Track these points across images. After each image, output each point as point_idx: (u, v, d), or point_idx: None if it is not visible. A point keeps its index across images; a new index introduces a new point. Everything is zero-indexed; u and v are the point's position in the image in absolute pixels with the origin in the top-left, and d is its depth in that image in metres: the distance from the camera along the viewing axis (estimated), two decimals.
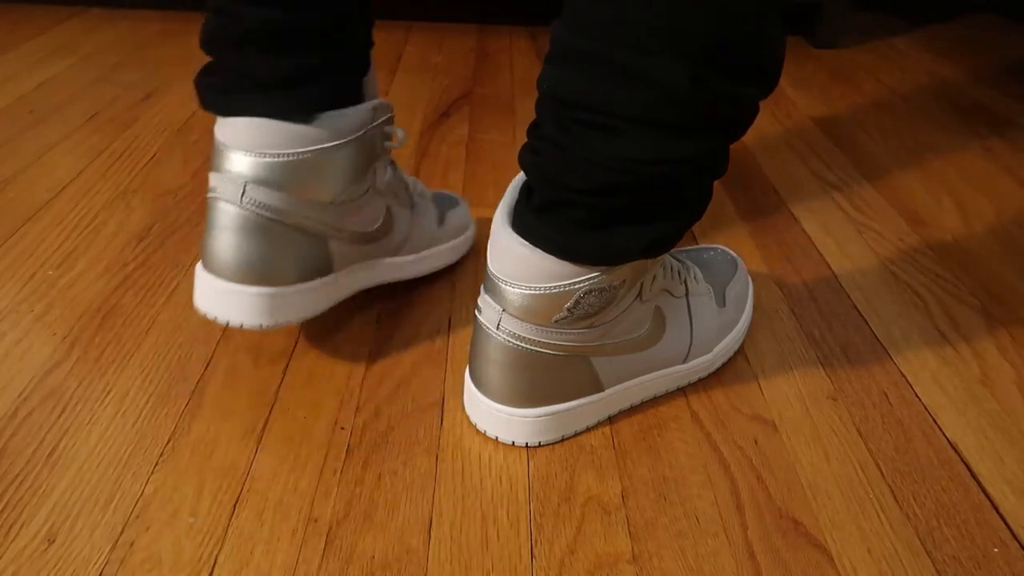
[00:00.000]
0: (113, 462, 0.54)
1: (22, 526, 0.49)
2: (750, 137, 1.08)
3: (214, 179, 0.54)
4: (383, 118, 0.60)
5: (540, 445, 0.56)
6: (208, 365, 0.63)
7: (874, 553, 0.50)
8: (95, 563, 0.47)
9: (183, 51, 1.33)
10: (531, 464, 0.55)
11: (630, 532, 0.50)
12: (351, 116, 0.56)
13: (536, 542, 0.49)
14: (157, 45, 1.35)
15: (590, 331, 0.53)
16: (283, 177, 0.54)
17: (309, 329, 0.67)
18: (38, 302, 0.69)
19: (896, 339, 0.69)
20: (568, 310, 0.50)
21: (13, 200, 0.85)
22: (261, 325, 0.57)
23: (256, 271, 0.55)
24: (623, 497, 0.53)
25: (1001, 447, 0.58)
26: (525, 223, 0.49)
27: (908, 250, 0.83)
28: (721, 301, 0.63)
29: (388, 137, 0.61)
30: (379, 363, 0.63)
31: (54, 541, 0.48)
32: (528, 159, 0.49)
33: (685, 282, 0.59)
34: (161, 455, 0.54)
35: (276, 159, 0.53)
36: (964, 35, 1.58)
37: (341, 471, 0.54)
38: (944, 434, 0.59)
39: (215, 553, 0.48)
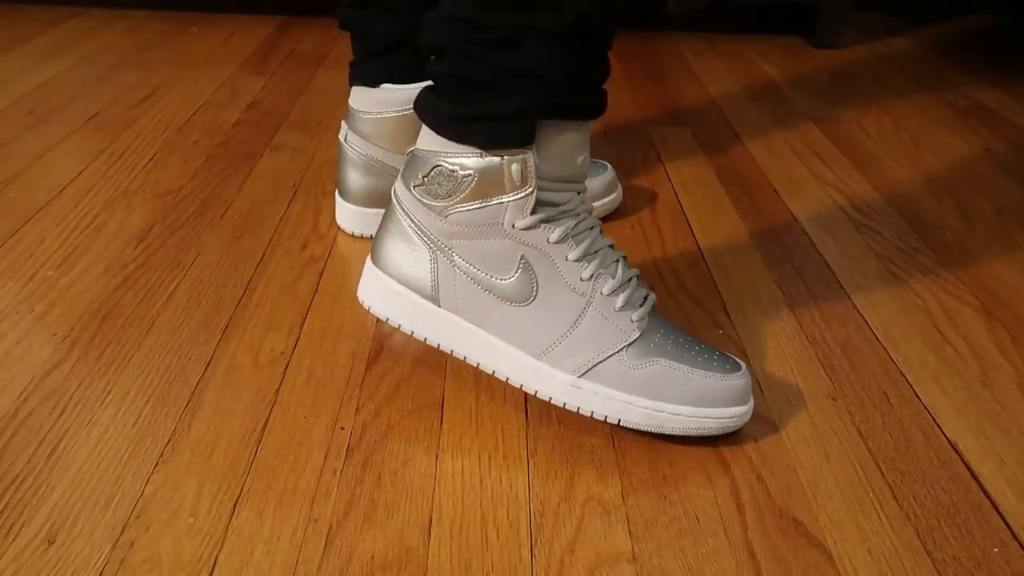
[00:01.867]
0: (113, 462, 0.54)
1: (22, 526, 0.49)
2: (750, 137, 1.08)
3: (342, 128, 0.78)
4: None
5: (371, 309, 0.59)
6: (208, 365, 0.63)
7: (874, 553, 0.50)
8: (95, 563, 0.47)
9: (183, 51, 1.33)
10: (531, 464, 0.55)
11: (630, 532, 0.50)
12: (411, 91, 0.72)
13: (536, 542, 0.49)
14: (157, 45, 1.35)
15: (440, 220, 0.54)
16: (365, 128, 0.76)
17: (309, 329, 0.67)
18: (38, 302, 0.69)
19: (896, 339, 0.69)
20: (423, 177, 0.54)
21: (13, 200, 0.85)
22: (363, 233, 0.80)
23: (353, 193, 0.79)
24: (623, 497, 0.53)
25: (1001, 447, 0.58)
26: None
27: (908, 250, 0.83)
28: (639, 363, 0.54)
29: None
30: (379, 363, 0.63)
31: (54, 541, 0.48)
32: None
33: (593, 282, 0.55)
34: (161, 455, 0.54)
35: (364, 116, 0.75)
36: (964, 35, 1.58)
37: (341, 471, 0.54)
38: (944, 434, 0.59)
39: (215, 553, 0.48)
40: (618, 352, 0.54)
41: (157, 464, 0.54)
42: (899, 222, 0.88)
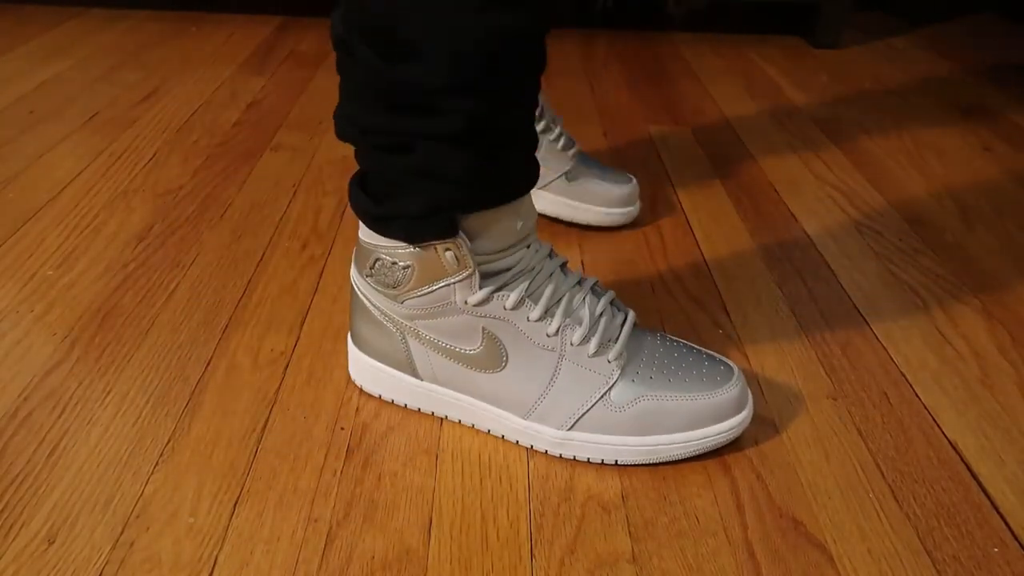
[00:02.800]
0: (113, 462, 0.54)
1: (22, 526, 0.49)
2: (750, 137, 1.08)
3: None
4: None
5: (363, 390, 0.60)
6: (208, 365, 0.63)
7: (874, 553, 0.50)
8: (95, 563, 0.47)
9: (183, 51, 1.33)
10: (531, 464, 0.55)
11: (630, 532, 0.50)
12: None
13: (536, 542, 0.49)
14: (157, 45, 1.35)
15: (396, 304, 0.55)
16: None
17: (309, 329, 0.67)
18: (38, 302, 0.69)
19: (896, 339, 0.69)
20: (370, 268, 0.55)
21: (13, 200, 0.85)
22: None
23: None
24: (623, 497, 0.53)
25: (1001, 447, 0.58)
26: None
27: (908, 250, 0.83)
28: (624, 404, 0.53)
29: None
30: None
31: (54, 541, 0.48)
32: None
33: (560, 335, 0.53)
34: (161, 455, 0.54)
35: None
36: (964, 35, 1.58)
37: (341, 471, 0.54)
38: (944, 434, 0.59)
39: (215, 553, 0.48)
40: (601, 398, 0.54)
41: (157, 464, 0.54)
42: (899, 222, 0.88)
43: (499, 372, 0.54)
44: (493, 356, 0.54)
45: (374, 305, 0.56)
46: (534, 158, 0.54)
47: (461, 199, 0.50)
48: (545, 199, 0.83)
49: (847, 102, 1.22)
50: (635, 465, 0.55)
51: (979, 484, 0.55)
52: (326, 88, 1.19)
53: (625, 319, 0.56)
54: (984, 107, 1.22)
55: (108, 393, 0.59)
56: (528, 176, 0.53)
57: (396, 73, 0.46)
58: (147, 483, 0.52)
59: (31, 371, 0.61)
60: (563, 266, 0.56)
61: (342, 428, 0.57)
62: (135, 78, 1.20)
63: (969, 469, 0.56)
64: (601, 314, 0.55)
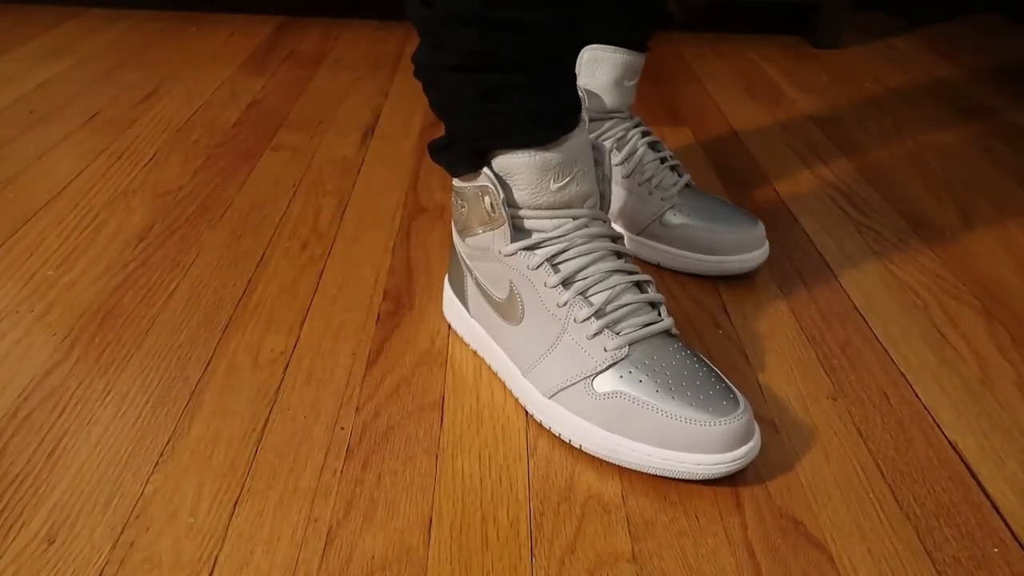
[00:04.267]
0: (113, 462, 0.54)
1: (22, 526, 0.49)
2: (750, 137, 1.08)
3: None
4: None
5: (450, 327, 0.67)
6: (208, 365, 0.63)
7: (874, 553, 0.50)
8: (95, 563, 0.47)
9: (183, 51, 1.33)
10: (531, 463, 0.55)
11: (630, 531, 0.50)
12: None
13: (536, 542, 0.49)
14: (157, 45, 1.35)
15: (462, 243, 0.61)
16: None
17: (309, 329, 0.67)
18: (38, 302, 0.69)
19: (896, 339, 0.69)
20: (453, 205, 0.61)
21: (13, 200, 0.85)
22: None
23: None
24: (623, 496, 0.53)
25: (1001, 447, 0.58)
26: None
27: (908, 250, 0.83)
28: (603, 393, 0.54)
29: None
30: (379, 363, 0.63)
31: (54, 541, 0.48)
32: None
33: (568, 308, 0.55)
34: (161, 455, 0.54)
35: None
36: (964, 35, 1.58)
37: (341, 471, 0.54)
38: (944, 434, 0.59)
39: (215, 553, 0.48)
40: (584, 379, 0.54)
41: (157, 464, 0.54)
42: (899, 222, 0.88)
43: (517, 325, 0.59)
44: (514, 308, 0.58)
45: (454, 243, 0.63)
46: (560, 110, 0.55)
47: (470, 131, 0.56)
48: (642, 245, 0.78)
49: (847, 102, 1.22)
50: (599, 458, 0.55)
51: (979, 484, 0.55)
52: (326, 88, 1.19)
53: (653, 324, 0.56)
54: (984, 107, 1.22)
55: (108, 393, 0.59)
56: (542, 123, 0.54)
57: (415, 9, 0.53)
58: (147, 483, 0.52)
59: (31, 371, 0.61)
60: (622, 255, 0.58)
61: (342, 428, 0.57)
62: (135, 78, 1.20)
63: (969, 469, 0.56)
64: (625, 306, 0.56)
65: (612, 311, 0.55)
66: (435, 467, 0.54)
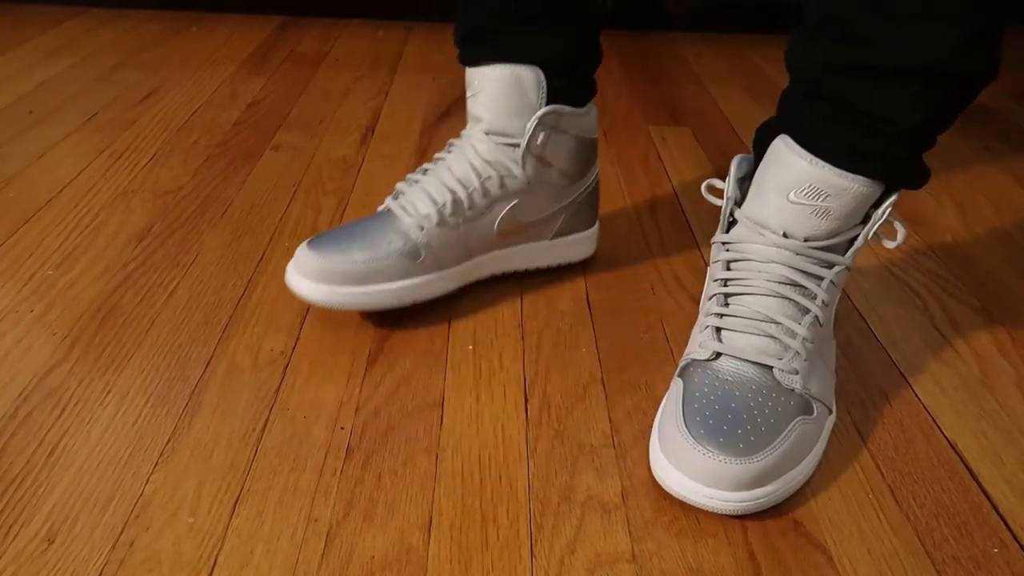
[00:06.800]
0: (113, 462, 0.54)
1: (22, 526, 0.49)
2: (750, 137, 1.08)
3: None
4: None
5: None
6: (208, 365, 0.63)
7: (874, 553, 0.50)
8: (95, 563, 0.47)
9: (183, 51, 1.33)
10: (531, 464, 0.55)
11: (630, 532, 0.50)
12: None
13: (536, 542, 0.49)
14: (157, 45, 1.35)
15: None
16: None
17: (309, 329, 0.67)
18: (38, 302, 0.69)
19: (896, 339, 0.69)
20: None
21: (13, 200, 0.85)
22: None
23: None
24: (623, 496, 0.53)
25: (1001, 447, 0.58)
26: None
27: (908, 250, 0.83)
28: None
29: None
30: (379, 363, 0.63)
31: (54, 541, 0.48)
32: None
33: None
34: (161, 455, 0.54)
35: None
36: None
37: (341, 471, 0.54)
38: (944, 434, 0.59)
39: (215, 553, 0.48)
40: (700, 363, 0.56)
41: (157, 464, 0.54)
42: None
43: None
44: None
45: None
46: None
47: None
48: None
49: None
50: (636, 435, 0.55)
51: (979, 484, 0.55)
52: (326, 88, 1.19)
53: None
54: (984, 107, 1.22)
55: (108, 393, 0.59)
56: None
57: None
58: (147, 483, 0.52)
59: (31, 371, 0.61)
60: None
61: (342, 428, 0.57)
62: (135, 78, 1.20)
63: (969, 469, 0.56)
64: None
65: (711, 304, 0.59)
66: (435, 467, 0.54)
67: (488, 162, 0.67)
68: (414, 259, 0.65)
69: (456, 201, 0.66)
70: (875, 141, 0.52)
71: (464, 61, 0.67)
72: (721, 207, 0.60)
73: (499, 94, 0.65)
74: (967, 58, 0.49)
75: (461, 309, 0.70)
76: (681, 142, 1.06)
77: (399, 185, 0.69)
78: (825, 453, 0.56)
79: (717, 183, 0.62)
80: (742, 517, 0.51)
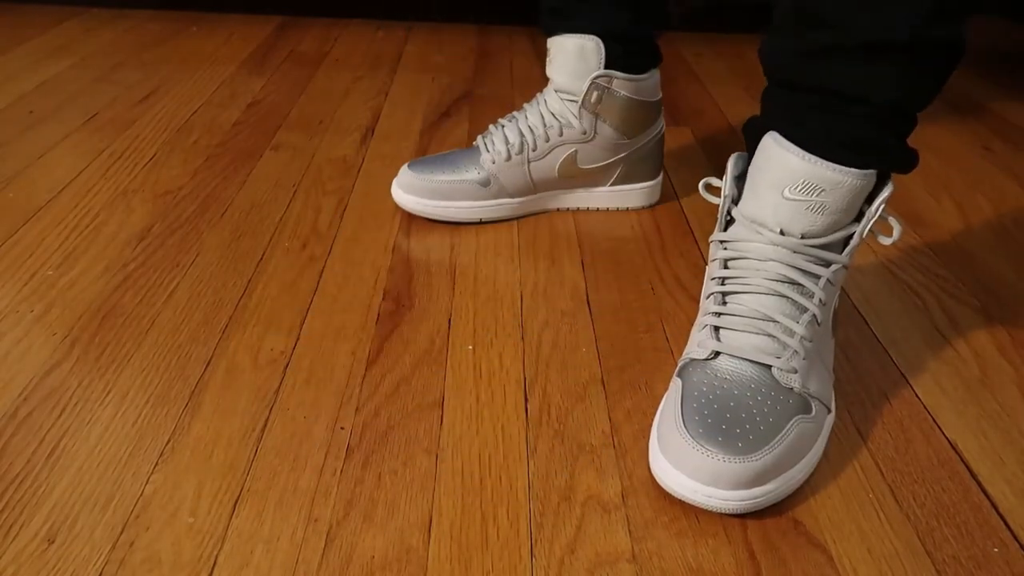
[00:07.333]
0: (113, 462, 0.54)
1: (22, 526, 0.49)
2: None
3: None
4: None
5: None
6: (208, 365, 0.63)
7: (874, 553, 0.50)
8: (95, 563, 0.47)
9: (183, 51, 1.33)
10: (531, 463, 0.55)
11: (630, 531, 0.50)
12: None
13: (536, 541, 0.49)
14: (157, 45, 1.35)
15: None
16: None
17: (309, 329, 0.67)
18: (38, 302, 0.69)
19: (896, 339, 0.69)
20: None
21: (13, 200, 0.85)
22: None
23: None
24: (623, 496, 0.53)
25: (1001, 447, 0.58)
26: None
27: (908, 250, 0.83)
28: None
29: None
30: (379, 363, 0.63)
31: (54, 541, 0.48)
32: None
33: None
34: (161, 455, 0.54)
35: None
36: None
37: (341, 471, 0.54)
38: (944, 434, 0.59)
39: (215, 553, 0.48)
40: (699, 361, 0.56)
41: (157, 464, 0.54)
42: None
43: None
44: None
45: None
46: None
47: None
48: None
49: None
50: (636, 435, 0.55)
51: (979, 484, 0.55)
52: (326, 88, 1.19)
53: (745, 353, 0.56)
54: (983, 106, 1.22)
55: (108, 393, 0.59)
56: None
57: None
58: (147, 483, 0.52)
59: (31, 371, 0.61)
60: None
61: (342, 428, 0.57)
62: (135, 78, 1.20)
63: (969, 469, 0.56)
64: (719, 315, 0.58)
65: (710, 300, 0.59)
66: (435, 467, 0.54)
67: (554, 114, 0.81)
68: (485, 185, 0.81)
69: (523, 143, 0.81)
70: (856, 123, 0.53)
71: (545, 31, 0.81)
72: (719, 205, 0.60)
73: (567, 59, 0.78)
74: (932, 30, 0.50)
75: (461, 309, 0.70)
76: (681, 142, 1.06)
77: (490, 127, 0.84)
78: (825, 452, 0.56)
79: (715, 182, 0.62)
80: (742, 516, 0.51)
